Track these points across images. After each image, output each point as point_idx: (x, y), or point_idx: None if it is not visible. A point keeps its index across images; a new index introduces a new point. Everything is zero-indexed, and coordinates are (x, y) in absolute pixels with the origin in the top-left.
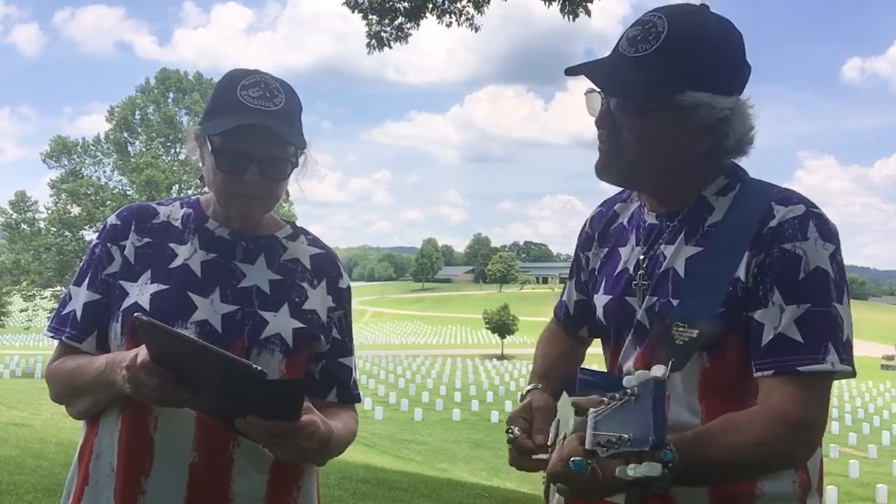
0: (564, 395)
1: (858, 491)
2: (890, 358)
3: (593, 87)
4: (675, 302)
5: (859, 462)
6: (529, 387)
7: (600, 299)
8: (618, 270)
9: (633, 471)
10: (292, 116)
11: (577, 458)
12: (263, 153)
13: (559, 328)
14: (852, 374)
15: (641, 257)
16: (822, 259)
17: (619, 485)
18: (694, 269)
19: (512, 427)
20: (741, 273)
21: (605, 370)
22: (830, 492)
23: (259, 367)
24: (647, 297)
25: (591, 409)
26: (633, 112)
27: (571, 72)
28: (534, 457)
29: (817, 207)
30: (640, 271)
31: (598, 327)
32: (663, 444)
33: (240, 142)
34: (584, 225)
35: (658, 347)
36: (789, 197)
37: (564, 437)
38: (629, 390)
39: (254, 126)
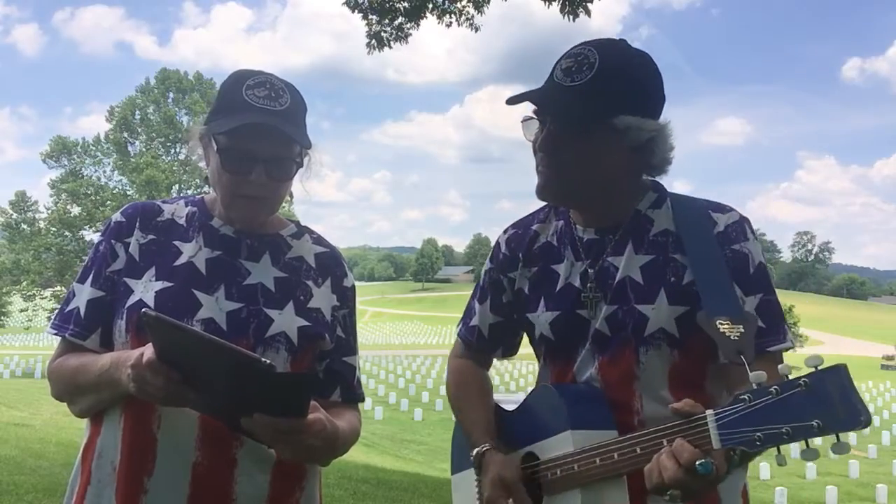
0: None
1: (858, 491)
2: (890, 358)
3: (530, 114)
4: (641, 308)
5: (859, 462)
6: (482, 448)
7: (543, 317)
8: (560, 286)
9: (809, 455)
10: (297, 116)
11: (703, 461)
12: (269, 153)
13: (466, 360)
14: (792, 347)
15: (590, 271)
16: (760, 255)
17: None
18: (657, 273)
19: None
20: None
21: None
22: (830, 492)
23: (268, 361)
24: (604, 307)
25: (711, 412)
26: (573, 135)
27: (513, 101)
28: None
29: (740, 212)
30: (590, 284)
31: (543, 343)
32: (870, 422)
33: (245, 141)
34: (498, 247)
35: (624, 350)
36: (720, 205)
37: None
38: (801, 381)
39: (259, 125)
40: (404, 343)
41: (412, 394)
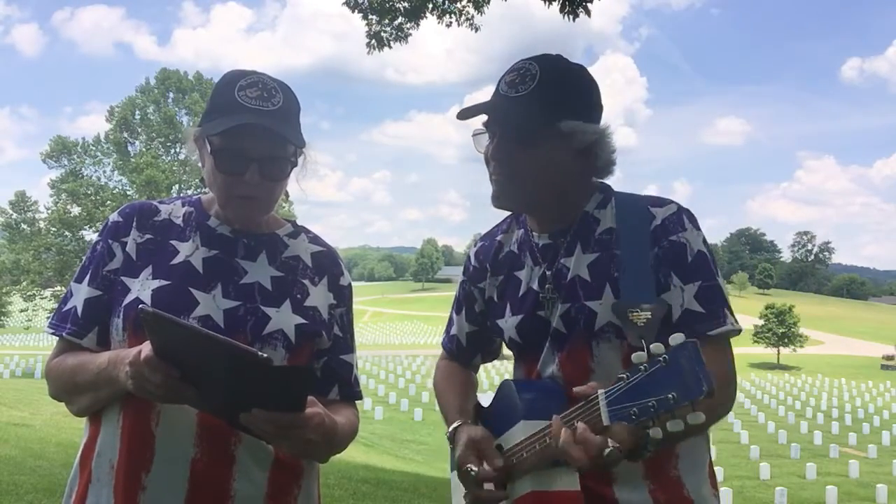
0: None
1: (858, 491)
2: (890, 358)
3: (478, 128)
4: (590, 304)
5: (859, 462)
6: (455, 424)
7: (510, 321)
8: (522, 291)
9: (675, 426)
10: (291, 116)
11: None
12: (263, 153)
13: (452, 363)
14: (741, 330)
15: (548, 273)
16: (700, 243)
17: (635, 453)
18: (602, 270)
19: (469, 466)
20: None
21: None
22: (830, 492)
23: (265, 354)
24: (560, 307)
25: (601, 391)
26: (523, 143)
27: (464, 116)
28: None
29: (680, 204)
30: (548, 286)
31: (512, 346)
32: (713, 392)
33: (239, 142)
34: (469, 260)
35: (579, 346)
36: (660, 200)
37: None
38: (661, 357)
39: (252, 126)
40: (404, 343)
41: (412, 394)
